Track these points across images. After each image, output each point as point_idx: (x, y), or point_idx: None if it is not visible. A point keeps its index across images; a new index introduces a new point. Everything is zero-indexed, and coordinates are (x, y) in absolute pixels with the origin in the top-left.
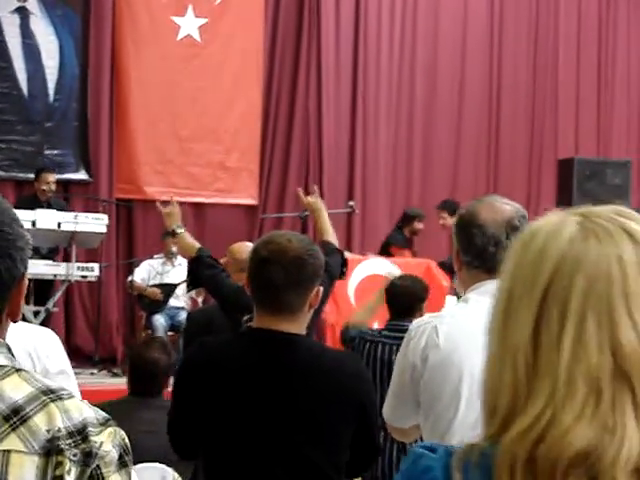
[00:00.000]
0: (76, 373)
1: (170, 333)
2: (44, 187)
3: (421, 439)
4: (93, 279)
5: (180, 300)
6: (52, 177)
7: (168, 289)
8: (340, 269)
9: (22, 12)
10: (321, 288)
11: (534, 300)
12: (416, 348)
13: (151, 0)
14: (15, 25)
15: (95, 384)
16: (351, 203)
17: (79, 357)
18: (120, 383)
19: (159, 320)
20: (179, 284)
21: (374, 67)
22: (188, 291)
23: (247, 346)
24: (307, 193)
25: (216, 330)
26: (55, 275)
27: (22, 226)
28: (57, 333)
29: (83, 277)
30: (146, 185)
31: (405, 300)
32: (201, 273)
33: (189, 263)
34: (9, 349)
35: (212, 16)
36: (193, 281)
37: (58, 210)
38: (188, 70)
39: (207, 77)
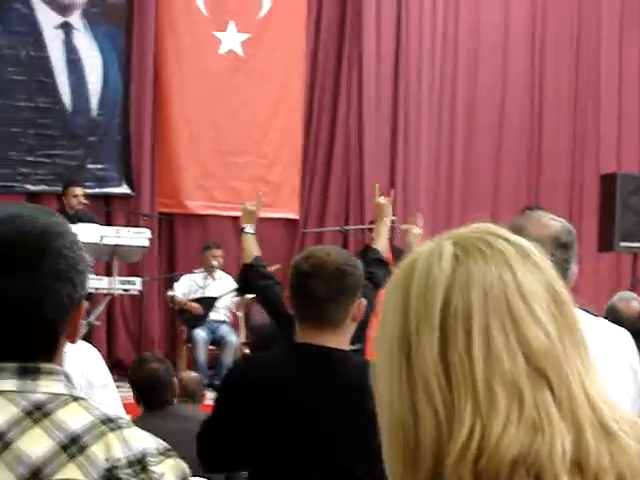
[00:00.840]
0: (117, 387)
1: (211, 347)
2: (73, 201)
3: None
4: (135, 293)
5: (221, 314)
6: (80, 190)
7: (208, 303)
8: (385, 279)
9: (66, 27)
10: (363, 300)
11: (433, 326)
12: None
13: (193, 16)
14: (59, 40)
15: None
16: (393, 218)
17: (120, 371)
18: None
19: (200, 334)
20: (219, 297)
21: (415, 82)
22: (236, 296)
23: (291, 361)
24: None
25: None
26: (97, 289)
27: (82, 248)
28: (99, 347)
29: (125, 291)
30: (188, 199)
31: None
32: (254, 282)
33: (242, 269)
34: (68, 377)
35: (254, 31)
36: (243, 287)
37: (88, 223)
38: (230, 84)
39: (249, 91)
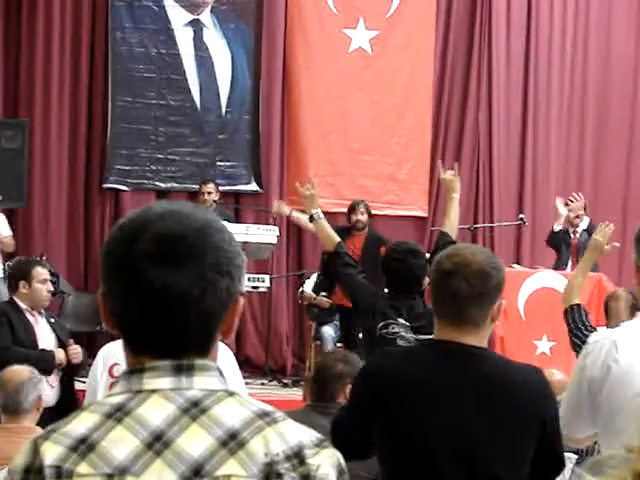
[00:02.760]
0: (246, 383)
1: (339, 344)
2: (207, 198)
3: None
4: (264, 290)
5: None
6: (209, 187)
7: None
8: None
9: (196, 25)
10: (503, 302)
11: None
12: (595, 362)
13: (323, 13)
14: (189, 38)
15: (265, 395)
16: (521, 216)
17: (249, 367)
18: (290, 394)
19: (328, 331)
20: None
21: (545, 78)
22: (321, 283)
23: (431, 357)
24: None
25: None
26: None
27: (239, 244)
28: (227, 344)
29: (254, 288)
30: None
31: None
32: (338, 270)
33: (326, 256)
34: (221, 372)
35: (383, 28)
36: (327, 274)
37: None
38: (359, 82)
39: (378, 89)
